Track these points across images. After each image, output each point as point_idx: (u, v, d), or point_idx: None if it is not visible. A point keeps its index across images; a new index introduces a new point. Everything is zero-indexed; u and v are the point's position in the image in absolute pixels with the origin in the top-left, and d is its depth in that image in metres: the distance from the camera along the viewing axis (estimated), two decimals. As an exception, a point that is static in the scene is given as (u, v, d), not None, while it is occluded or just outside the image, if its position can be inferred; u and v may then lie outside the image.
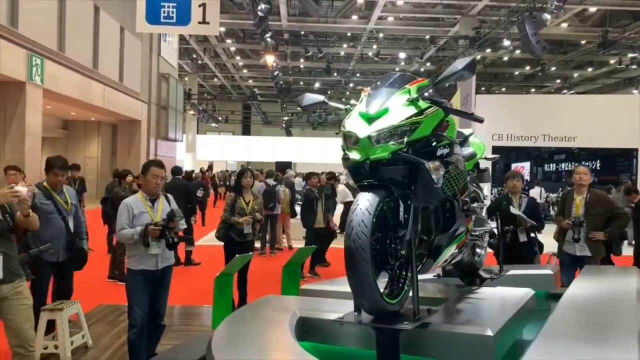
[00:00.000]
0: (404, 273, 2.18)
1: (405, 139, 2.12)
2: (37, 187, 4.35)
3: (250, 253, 4.82)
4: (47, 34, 13.48)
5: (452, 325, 2.26)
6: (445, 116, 2.31)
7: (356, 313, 2.20)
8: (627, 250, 9.79)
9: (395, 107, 2.17)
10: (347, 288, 3.01)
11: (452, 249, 2.55)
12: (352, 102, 2.50)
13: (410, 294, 2.17)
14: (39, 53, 12.99)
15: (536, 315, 2.77)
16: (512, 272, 3.28)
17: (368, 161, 2.13)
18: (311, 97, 2.59)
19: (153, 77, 21.95)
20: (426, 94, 2.28)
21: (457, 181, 2.46)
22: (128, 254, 3.82)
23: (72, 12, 14.58)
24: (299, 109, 35.88)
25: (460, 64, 2.18)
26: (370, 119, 2.16)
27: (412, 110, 2.17)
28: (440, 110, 2.26)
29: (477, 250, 2.97)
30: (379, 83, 2.37)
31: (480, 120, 2.51)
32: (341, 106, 2.48)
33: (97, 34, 16.53)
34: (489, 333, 2.14)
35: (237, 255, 4.14)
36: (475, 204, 2.76)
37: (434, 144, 2.25)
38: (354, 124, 2.20)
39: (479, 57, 22.32)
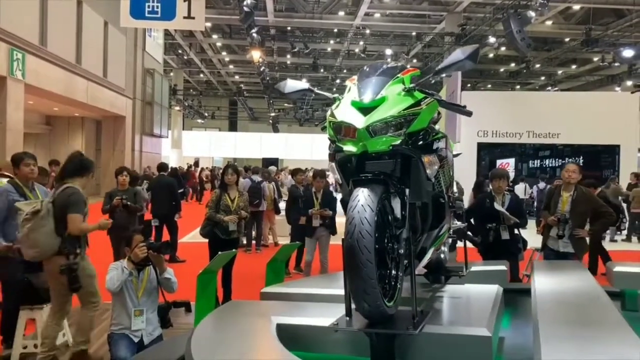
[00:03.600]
0: (394, 273, 2.07)
1: (404, 131, 2.00)
2: (10, 183, 4.22)
3: (234, 250, 4.76)
4: (28, 28, 13.24)
5: (447, 327, 2.17)
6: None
7: (347, 318, 2.08)
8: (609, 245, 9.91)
9: (391, 96, 2.04)
10: (309, 290, 2.91)
11: (435, 247, 2.51)
12: (334, 95, 2.32)
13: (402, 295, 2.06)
14: (20, 47, 12.75)
15: None
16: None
17: (366, 154, 2.00)
18: (294, 84, 2.39)
19: (138, 72, 21.73)
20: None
21: (447, 177, 2.38)
22: (112, 320, 3.57)
23: (54, 6, 14.33)
24: (286, 105, 35.87)
25: (462, 53, 2.07)
26: (364, 109, 2.02)
27: (409, 100, 2.05)
28: (436, 102, 2.16)
29: (442, 247, 2.90)
30: (367, 71, 2.22)
31: (470, 114, 2.47)
32: (329, 95, 2.33)
33: (80, 29, 16.28)
34: (487, 333, 2.09)
35: (219, 253, 4.09)
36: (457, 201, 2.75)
37: (430, 137, 2.15)
38: (348, 114, 2.04)
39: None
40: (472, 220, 5.34)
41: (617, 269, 3.48)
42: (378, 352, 2.08)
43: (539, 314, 2.33)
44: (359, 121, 1.99)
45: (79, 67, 16.34)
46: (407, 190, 2.06)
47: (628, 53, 12.56)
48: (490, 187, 5.36)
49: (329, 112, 2.18)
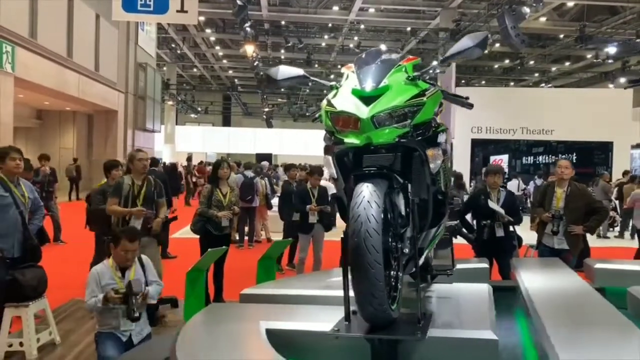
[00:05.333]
0: (396, 274, 1.94)
1: (409, 122, 1.89)
2: None
3: (224, 247, 4.67)
4: (18, 20, 13.04)
5: (451, 330, 2.06)
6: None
7: (347, 322, 1.95)
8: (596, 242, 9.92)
9: (395, 85, 1.93)
10: (292, 291, 2.77)
11: (432, 246, 2.40)
12: (331, 83, 2.15)
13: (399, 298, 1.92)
14: (10, 40, 12.56)
15: None
16: None
17: (365, 147, 1.87)
18: (288, 71, 2.23)
19: (130, 66, 21.52)
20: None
21: (448, 172, 2.26)
22: (100, 322, 3.46)
23: (44, -2, 14.14)
24: (279, 100, 35.65)
25: (471, 40, 1.98)
26: (366, 98, 1.89)
27: (414, 90, 1.93)
28: (440, 92, 2.05)
29: None
30: (366, 58, 2.09)
31: (471, 106, 2.37)
32: (325, 82, 2.19)
33: (72, 21, 16.08)
34: (493, 336, 1.97)
35: (209, 250, 4.01)
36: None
37: (435, 129, 2.03)
38: (349, 103, 1.91)
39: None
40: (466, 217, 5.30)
41: (598, 265, 3.44)
42: (381, 359, 1.97)
43: (540, 315, 2.21)
44: (362, 111, 1.86)
45: (70, 61, 16.16)
46: (409, 186, 1.94)
47: (611, 50, 12.67)
48: (486, 182, 5.31)
49: (324, 102, 2.05)
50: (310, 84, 2.34)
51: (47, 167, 9.03)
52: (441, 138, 2.04)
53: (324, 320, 2.18)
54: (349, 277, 1.85)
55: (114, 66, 19.93)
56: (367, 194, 1.76)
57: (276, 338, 2.06)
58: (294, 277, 3.73)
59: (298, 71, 2.23)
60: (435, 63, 2.17)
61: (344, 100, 1.94)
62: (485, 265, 3.64)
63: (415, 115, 1.90)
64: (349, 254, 1.76)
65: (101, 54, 18.56)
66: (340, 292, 2.70)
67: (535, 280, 3.00)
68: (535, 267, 3.58)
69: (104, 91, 19.17)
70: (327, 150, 2.03)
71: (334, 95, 2.01)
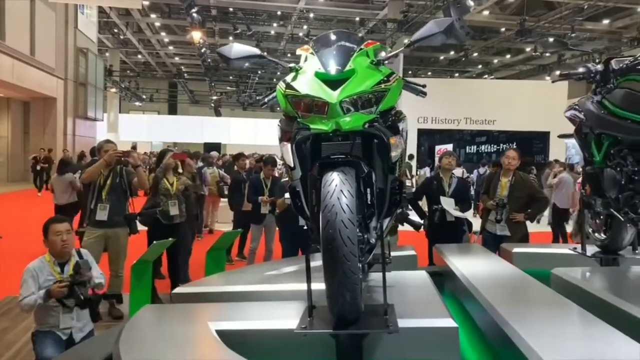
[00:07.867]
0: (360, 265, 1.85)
1: (375, 108, 1.84)
2: None
3: (170, 239, 4.51)
4: (-58, 0, 12.17)
5: (411, 320, 2.00)
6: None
7: (309, 318, 1.86)
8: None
9: (360, 69, 1.85)
10: (229, 288, 2.61)
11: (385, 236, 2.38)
12: (290, 64, 2.04)
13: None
14: None
15: None
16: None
17: (323, 135, 1.78)
18: (242, 49, 2.09)
19: (70, 51, 20.56)
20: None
21: (404, 160, 2.23)
22: (37, 319, 3.23)
23: (-28, -24, 13.23)
24: (228, 88, 34.97)
25: (436, 25, 1.94)
26: (331, 82, 1.81)
27: (378, 75, 1.87)
28: (401, 79, 2.00)
29: None
30: (325, 40, 2.01)
31: (425, 94, 2.37)
32: (284, 63, 2.09)
33: (3, 1, 15.15)
34: (453, 324, 1.98)
35: (154, 242, 3.89)
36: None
37: (397, 116, 1.99)
38: (314, 87, 1.81)
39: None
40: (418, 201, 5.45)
41: (516, 250, 3.60)
42: (346, 353, 1.91)
43: (488, 299, 2.23)
44: (331, 95, 1.78)
45: (3, 44, 15.24)
46: (373, 174, 1.88)
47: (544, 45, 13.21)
48: (439, 166, 5.46)
49: (282, 85, 1.93)
50: (265, 64, 2.22)
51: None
52: (402, 126, 2.01)
53: (277, 317, 2.10)
54: (310, 269, 1.81)
55: (51, 51, 18.95)
56: (338, 183, 1.68)
57: (229, 339, 1.92)
58: (227, 272, 3.53)
59: (253, 50, 2.10)
60: (393, 51, 2.13)
61: (307, 83, 1.85)
62: (413, 252, 3.65)
63: (381, 101, 1.86)
64: (322, 246, 1.67)
65: (37, 38, 17.59)
66: (278, 287, 2.62)
67: (467, 265, 3.03)
68: (461, 253, 3.63)
69: (41, 77, 18.22)
70: (284, 137, 1.93)
71: (294, 78, 1.91)
